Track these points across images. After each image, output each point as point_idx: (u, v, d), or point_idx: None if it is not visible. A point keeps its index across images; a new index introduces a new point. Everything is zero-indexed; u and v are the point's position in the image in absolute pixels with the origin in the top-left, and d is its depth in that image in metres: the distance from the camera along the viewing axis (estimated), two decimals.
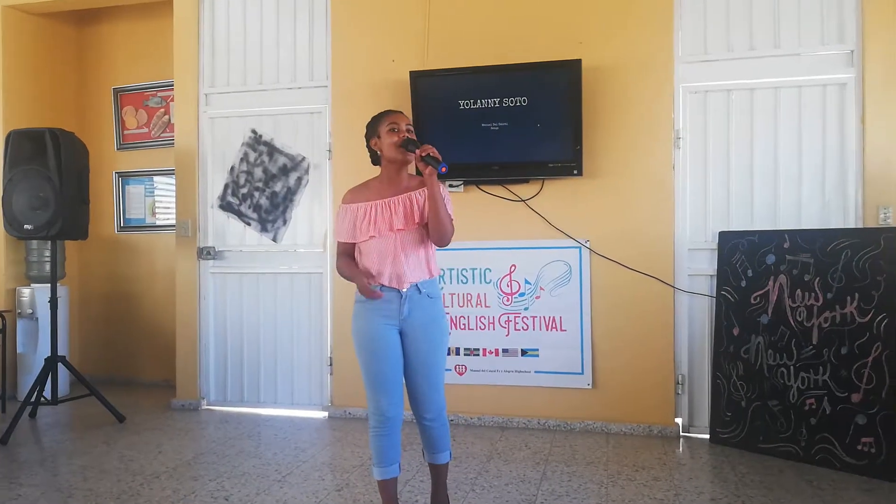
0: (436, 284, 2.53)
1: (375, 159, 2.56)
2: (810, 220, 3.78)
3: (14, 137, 4.11)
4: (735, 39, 3.90)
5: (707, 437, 3.82)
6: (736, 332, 3.71)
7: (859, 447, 3.22)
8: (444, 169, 2.30)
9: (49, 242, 4.63)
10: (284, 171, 4.56)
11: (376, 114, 2.56)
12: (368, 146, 2.55)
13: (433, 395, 2.51)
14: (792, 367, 3.48)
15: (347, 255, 2.56)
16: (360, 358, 2.48)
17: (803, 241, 3.53)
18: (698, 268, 3.95)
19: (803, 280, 3.49)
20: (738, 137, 3.90)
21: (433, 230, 2.41)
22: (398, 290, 2.43)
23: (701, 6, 3.94)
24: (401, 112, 2.54)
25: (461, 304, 4.16)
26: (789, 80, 3.82)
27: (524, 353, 4.08)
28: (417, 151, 2.36)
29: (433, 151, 2.34)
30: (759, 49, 3.87)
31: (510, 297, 4.11)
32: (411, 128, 2.49)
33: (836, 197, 3.77)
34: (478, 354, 4.11)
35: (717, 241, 3.85)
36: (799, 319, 3.49)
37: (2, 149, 4.22)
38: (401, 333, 2.48)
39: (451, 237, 2.45)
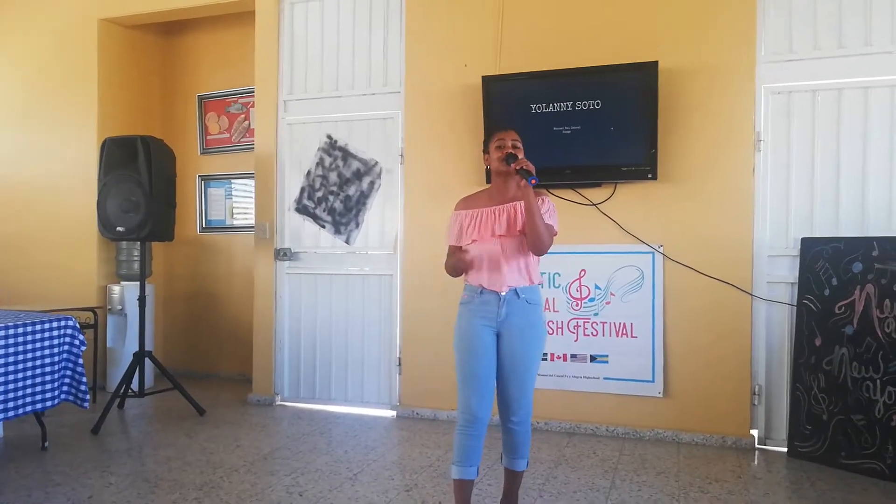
0: (536, 291, 2.61)
1: (488, 176, 2.74)
2: None
3: (109, 145, 4.37)
4: (822, 37, 3.75)
5: (784, 450, 3.69)
6: (818, 342, 3.57)
7: None
8: (534, 181, 2.42)
9: (138, 243, 4.89)
10: (358, 175, 4.66)
11: (492, 130, 2.74)
12: (484, 161, 2.74)
13: (522, 399, 2.57)
14: (878, 381, 3.32)
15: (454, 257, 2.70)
16: (457, 356, 2.58)
17: (893, 249, 3.36)
18: (778, 275, 3.81)
19: (892, 290, 3.33)
20: (823, 140, 3.74)
21: (529, 239, 2.50)
22: (497, 293, 2.53)
23: (786, 2, 3.80)
24: (508, 128, 2.66)
25: None
26: (880, 79, 3.64)
27: (593, 359, 4.03)
28: (513, 165, 2.48)
29: (526, 164, 2.46)
30: (848, 47, 3.70)
31: (579, 301, 4.07)
32: (518, 144, 2.62)
33: None
34: (546, 359, 4.09)
35: (798, 247, 3.70)
36: (887, 331, 3.32)
37: (97, 155, 4.48)
38: (498, 336, 2.55)
39: (549, 247, 2.52)
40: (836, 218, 3.72)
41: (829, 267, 3.56)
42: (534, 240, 2.47)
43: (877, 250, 3.41)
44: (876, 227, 3.63)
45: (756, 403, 3.82)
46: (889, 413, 3.27)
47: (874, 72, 3.65)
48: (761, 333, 3.81)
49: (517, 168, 2.46)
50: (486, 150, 2.69)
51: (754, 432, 3.81)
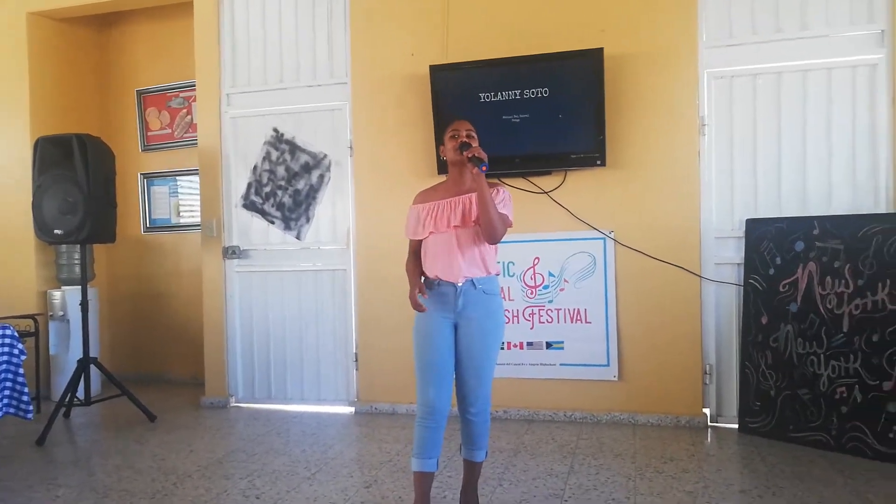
0: (493, 282, 2.61)
1: (443, 167, 2.72)
2: (840, 205, 3.71)
3: (42, 144, 4.18)
4: (760, 22, 3.82)
5: (736, 426, 3.79)
6: (764, 320, 3.66)
7: (891, 435, 3.17)
8: (484, 168, 2.43)
9: (78, 246, 4.71)
10: (306, 168, 4.58)
11: (446, 121, 2.73)
12: (438, 152, 2.75)
13: (480, 390, 2.57)
14: (822, 356, 3.43)
15: (414, 254, 2.71)
16: (415, 349, 2.57)
17: (833, 227, 3.46)
18: (725, 256, 3.90)
19: (833, 267, 3.43)
20: (764, 123, 3.83)
21: (482, 227, 2.49)
22: (454, 284, 2.52)
23: None
24: (461, 118, 2.66)
25: None
26: (818, 62, 3.74)
27: (549, 345, 4.06)
28: (466, 153, 2.48)
29: (478, 152, 2.46)
30: (785, 31, 3.79)
31: (534, 289, 4.09)
32: (472, 133, 2.61)
33: (866, 181, 3.69)
34: (503, 348, 4.09)
35: (744, 228, 3.79)
36: (829, 307, 3.43)
37: (30, 155, 4.28)
38: (455, 327, 2.56)
39: (502, 235, 2.52)
40: (778, 199, 3.82)
41: (772, 247, 3.66)
42: (486, 228, 2.47)
43: (817, 229, 3.51)
44: (816, 207, 3.74)
45: (707, 383, 3.91)
46: (833, 386, 3.38)
47: (811, 55, 3.75)
48: (710, 314, 3.90)
49: (469, 156, 2.45)
50: (440, 141, 2.68)
51: (706, 411, 3.91)
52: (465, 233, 2.53)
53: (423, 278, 2.63)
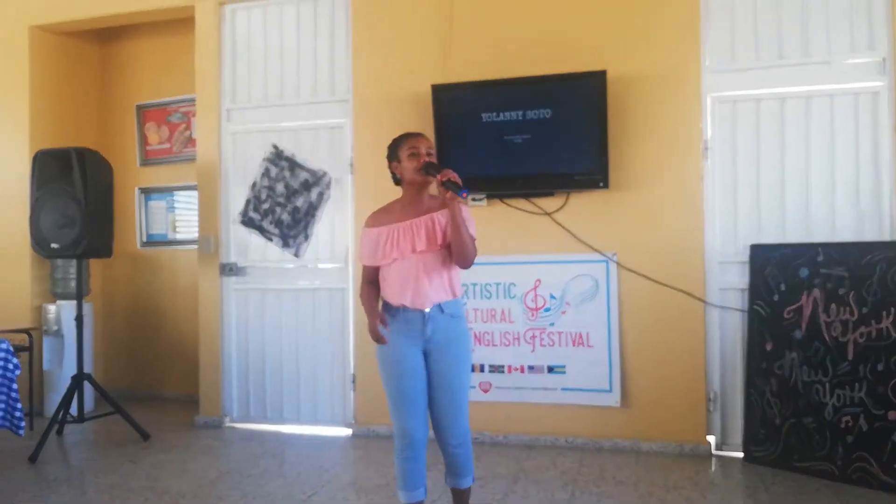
0: (459, 304, 2.54)
1: (397, 181, 2.59)
2: (844, 231, 3.69)
3: (41, 158, 4.16)
4: (763, 47, 3.83)
5: (740, 455, 3.73)
6: (769, 347, 3.63)
7: None
8: (465, 195, 2.32)
9: (74, 260, 4.66)
10: (306, 186, 4.54)
11: (397, 136, 2.57)
12: (390, 168, 2.57)
13: (458, 419, 2.49)
14: (827, 384, 3.39)
15: (370, 283, 2.60)
16: (385, 379, 2.48)
17: (837, 254, 3.44)
18: (729, 281, 3.86)
19: (838, 294, 3.40)
20: (768, 147, 3.81)
21: (456, 253, 2.42)
22: (421, 311, 2.43)
23: (728, 14, 3.86)
24: (421, 135, 2.55)
25: (485, 320, 4.11)
26: (820, 88, 3.74)
27: (550, 369, 4.01)
28: (438, 176, 2.36)
29: (454, 176, 2.34)
30: (788, 57, 3.79)
31: (535, 312, 4.05)
32: (432, 151, 2.51)
33: (870, 208, 3.68)
34: (503, 371, 4.05)
35: (748, 254, 3.76)
36: (834, 335, 3.40)
37: (29, 168, 4.25)
38: (425, 354, 2.47)
39: (474, 259, 2.45)
40: (782, 224, 3.79)
41: (777, 273, 3.63)
42: (462, 255, 2.41)
43: (821, 255, 3.49)
44: (820, 233, 3.72)
45: (712, 410, 3.86)
46: (838, 415, 3.34)
47: (814, 81, 3.74)
48: (715, 339, 3.86)
49: (443, 180, 2.33)
50: (394, 158, 2.53)
51: (711, 438, 3.85)
52: (431, 257, 2.44)
53: (381, 305, 2.53)
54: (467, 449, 2.54)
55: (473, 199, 4.06)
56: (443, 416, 2.48)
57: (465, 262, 2.44)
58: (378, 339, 2.45)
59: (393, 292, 2.47)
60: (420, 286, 2.42)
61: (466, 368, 2.53)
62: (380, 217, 2.55)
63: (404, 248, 2.43)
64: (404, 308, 2.45)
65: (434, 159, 2.49)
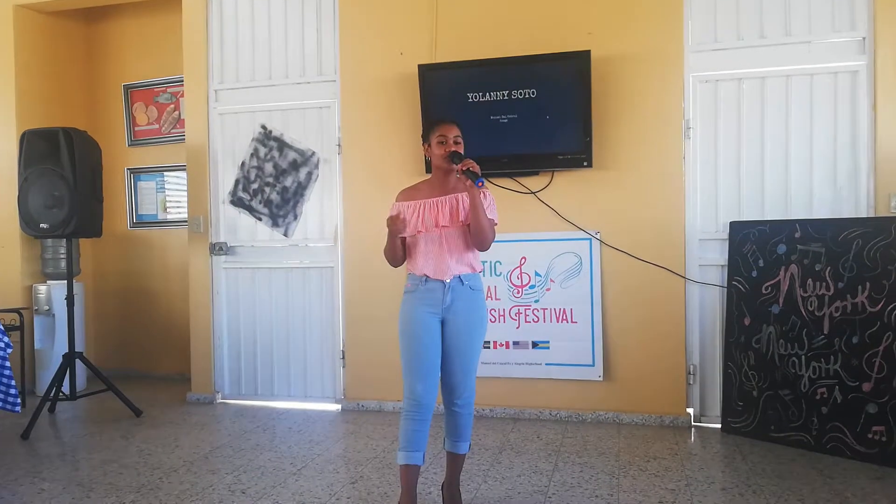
0: (479, 278, 2.67)
1: (428, 165, 2.76)
2: (822, 208, 3.77)
3: (28, 137, 4.16)
4: (745, 27, 3.88)
5: (719, 426, 3.84)
6: (747, 322, 3.72)
7: (870, 436, 3.23)
8: (480, 183, 2.46)
9: (64, 240, 4.69)
10: (294, 165, 4.58)
11: (431, 120, 2.76)
12: (423, 149, 2.74)
13: (466, 381, 2.63)
14: (803, 357, 3.49)
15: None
16: (401, 343, 2.61)
17: (814, 230, 3.52)
18: (709, 258, 3.95)
19: (814, 270, 3.49)
20: (748, 126, 3.88)
21: (474, 236, 2.57)
22: (442, 281, 2.57)
23: None
24: (452, 122, 2.68)
25: None
26: (800, 67, 3.80)
27: (535, 345, 4.10)
28: (459, 165, 2.51)
29: (472, 166, 2.48)
30: (769, 37, 3.84)
31: (520, 289, 4.12)
32: (459, 139, 2.65)
33: (847, 185, 3.76)
34: (489, 347, 4.13)
35: (728, 231, 3.84)
36: (810, 309, 3.49)
37: (17, 148, 4.26)
38: (443, 322, 2.60)
39: (492, 242, 2.60)
40: (761, 201, 3.87)
41: (756, 249, 3.71)
42: (478, 237, 2.56)
43: (799, 232, 3.57)
44: (798, 210, 3.80)
45: (691, 383, 3.96)
46: (814, 387, 3.44)
47: (794, 61, 3.80)
48: (695, 315, 3.95)
49: (463, 169, 2.50)
50: (426, 141, 2.70)
51: (690, 410, 3.96)
52: (453, 232, 2.59)
53: (408, 273, 2.68)
54: (469, 412, 2.68)
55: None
56: (452, 378, 2.62)
57: (483, 245, 2.59)
58: (397, 222, 2.58)
59: (417, 263, 2.62)
60: (441, 258, 2.57)
61: (480, 338, 2.66)
62: (409, 193, 2.71)
63: (428, 223, 2.59)
64: (426, 278, 2.58)
65: (461, 147, 2.63)
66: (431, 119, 2.76)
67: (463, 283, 2.60)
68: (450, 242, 2.59)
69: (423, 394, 2.53)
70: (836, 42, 3.77)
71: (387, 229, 2.65)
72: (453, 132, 2.63)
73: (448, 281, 2.57)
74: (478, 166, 2.49)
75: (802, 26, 3.80)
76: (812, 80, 3.79)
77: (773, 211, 3.84)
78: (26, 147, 4.16)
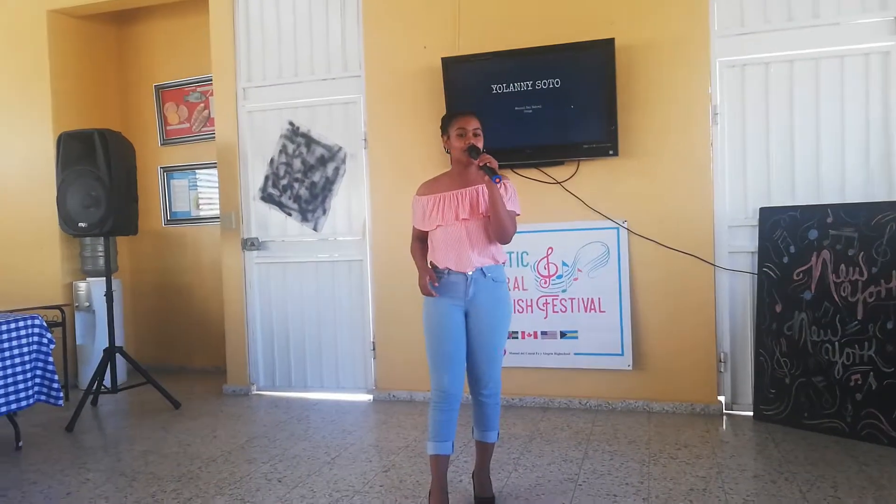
0: (501, 270, 2.69)
1: (447, 150, 2.75)
2: (854, 193, 3.71)
3: (65, 139, 4.28)
4: (772, 10, 3.81)
5: (751, 414, 3.81)
6: (778, 308, 3.68)
7: None
8: (497, 180, 2.46)
9: (102, 238, 4.82)
10: (322, 161, 4.64)
11: (449, 113, 2.76)
12: (442, 140, 2.74)
13: (492, 372, 2.66)
14: (836, 343, 3.45)
15: (419, 240, 2.79)
16: (427, 337, 2.64)
17: (847, 215, 3.47)
18: (739, 245, 3.92)
19: (847, 255, 3.44)
20: (777, 111, 3.83)
21: (493, 229, 2.57)
22: (464, 274, 2.59)
23: None
24: (471, 115, 2.66)
25: None
26: (830, 50, 3.73)
27: (563, 335, 4.11)
28: (477, 161, 2.52)
29: (490, 162, 2.48)
30: (797, 19, 3.78)
31: (548, 279, 4.14)
32: (479, 131, 2.64)
33: (880, 169, 3.69)
34: (517, 337, 4.15)
35: (757, 217, 3.81)
36: (843, 295, 3.45)
37: (54, 150, 4.39)
38: (466, 314, 2.63)
39: (513, 235, 2.60)
40: (791, 187, 3.82)
41: (786, 235, 3.67)
42: (499, 231, 2.56)
43: (831, 217, 3.52)
44: (830, 195, 3.74)
45: (722, 370, 3.94)
46: (847, 374, 3.40)
47: (823, 43, 3.74)
48: (725, 302, 3.92)
49: (480, 164, 2.49)
50: (444, 132, 2.70)
51: (721, 398, 3.94)
52: (473, 225, 2.59)
53: (431, 267, 2.70)
54: (496, 402, 2.71)
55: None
56: (478, 369, 2.65)
57: (503, 238, 2.59)
58: (427, 292, 2.63)
59: (439, 256, 2.64)
60: (463, 251, 2.58)
61: (504, 330, 2.69)
62: (430, 186, 2.73)
63: (449, 216, 2.60)
64: (449, 271, 2.60)
65: (480, 139, 2.62)
66: (450, 111, 2.74)
67: (486, 276, 2.60)
68: (471, 235, 2.59)
69: (449, 385, 2.56)
70: (866, 23, 3.69)
71: (411, 225, 2.72)
72: (472, 124, 2.62)
73: (470, 273, 2.58)
74: (495, 161, 2.49)
75: (831, 7, 3.73)
76: (842, 62, 3.73)
77: (803, 196, 3.79)
78: (63, 149, 4.28)
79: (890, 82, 3.65)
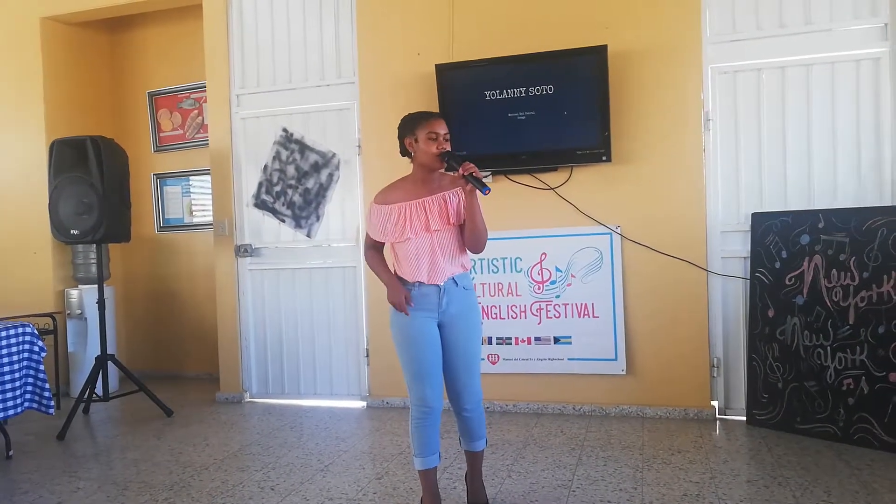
0: (469, 277, 2.64)
1: (405, 152, 2.61)
2: (845, 198, 3.73)
3: (57, 146, 4.27)
4: (764, 17, 3.84)
5: (744, 419, 3.82)
6: (771, 313, 3.69)
7: None
8: (487, 192, 2.35)
9: (94, 245, 4.80)
10: (316, 167, 4.64)
11: (414, 113, 2.60)
12: (402, 142, 2.58)
13: (472, 385, 2.60)
14: (829, 348, 3.46)
15: (374, 249, 2.68)
16: (402, 351, 2.56)
17: (838, 220, 3.49)
18: (731, 250, 3.93)
19: (839, 260, 3.46)
20: (769, 117, 3.85)
21: (470, 240, 2.52)
22: (437, 285, 2.52)
23: None
24: (439, 117, 2.56)
25: (492, 294, 4.20)
26: (821, 56, 3.75)
27: (557, 340, 4.11)
28: (460, 170, 2.39)
29: (476, 172, 2.38)
30: (789, 26, 3.81)
31: (541, 285, 4.14)
32: (448, 137, 2.53)
33: (871, 174, 3.71)
34: (510, 343, 4.16)
35: (750, 222, 3.82)
36: (835, 300, 3.46)
37: (46, 157, 4.38)
38: (439, 326, 2.57)
39: (485, 246, 2.55)
40: (783, 192, 3.84)
41: (778, 240, 3.68)
42: (475, 242, 2.51)
43: (822, 222, 3.54)
44: (821, 200, 3.76)
45: (715, 375, 3.94)
46: (839, 378, 3.41)
47: (814, 49, 3.76)
48: (717, 307, 3.93)
49: (465, 174, 2.37)
50: (410, 134, 2.53)
51: (715, 403, 3.94)
52: (444, 235, 2.52)
53: (399, 280, 2.59)
54: (480, 413, 2.65)
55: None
56: (458, 382, 2.58)
57: (478, 248, 2.54)
58: (402, 310, 2.53)
59: (408, 269, 2.54)
60: (436, 262, 2.50)
61: (478, 337, 2.64)
62: (389, 194, 2.59)
63: (418, 228, 2.50)
64: (420, 283, 2.53)
65: (449, 144, 2.51)
66: (418, 112, 2.59)
67: (457, 285, 2.55)
68: (442, 245, 2.51)
69: (431, 397, 2.50)
70: (858, 29, 3.72)
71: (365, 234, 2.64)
72: (444, 129, 2.50)
73: (443, 284, 2.52)
74: (479, 171, 2.39)
75: (823, 14, 3.76)
76: (833, 68, 3.75)
77: (795, 202, 3.81)
78: (56, 156, 4.27)
79: (881, 89, 3.68)
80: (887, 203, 3.65)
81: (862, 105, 3.72)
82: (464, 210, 2.49)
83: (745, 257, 3.88)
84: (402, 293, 2.53)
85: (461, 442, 2.73)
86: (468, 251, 2.59)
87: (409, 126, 2.55)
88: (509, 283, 4.16)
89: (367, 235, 2.67)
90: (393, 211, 2.53)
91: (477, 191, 2.39)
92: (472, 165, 2.39)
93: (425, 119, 2.53)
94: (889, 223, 3.31)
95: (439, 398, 2.53)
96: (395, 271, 2.62)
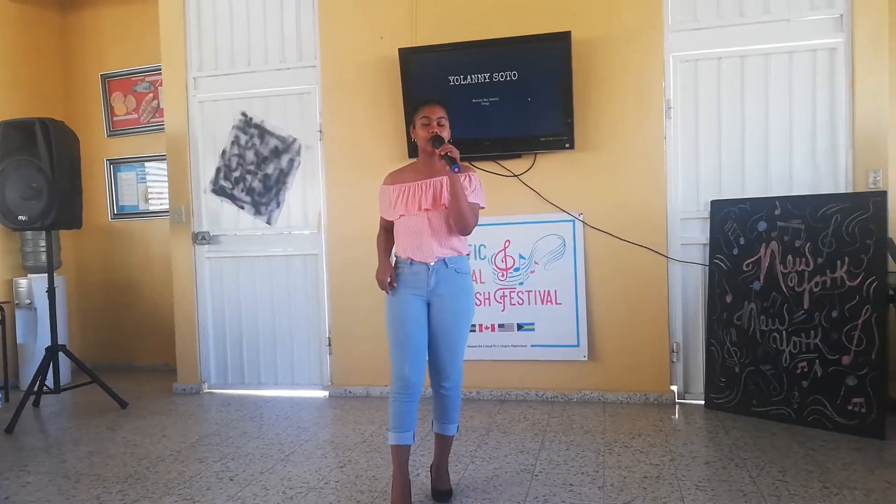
0: (464, 261, 2.67)
1: (413, 151, 2.78)
2: (802, 186, 3.81)
3: (4, 128, 4.09)
4: (724, 6, 3.89)
5: (702, 403, 3.89)
6: (729, 299, 3.75)
7: (850, 407, 3.29)
8: (456, 170, 2.44)
9: (44, 233, 4.64)
10: (276, 153, 4.55)
11: (417, 102, 2.73)
12: (408, 132, 2.76)
13: (453, 365, 2.64)
14: (784, 332, 3.53)
15: (385, 230, 2.79)
16: (388, 327, 2.62)
17: (794, 207, 3.56)
18: (691, 237, 3.98)
19: (794, 246, 3.53)
20: (729, 105, 3.91)
21: (453, 220, 2.57)
22: (426, 264, 2.57)
23: None
24: (436, 104, 2.64)
25: None
26: (780, 45, 3.82)
27: (520, 327, 4.12)
28: (438, 150, 2.49)
29: (451, 151, 2.46)
30: (748, 15, 3.86)
31: (505, 272, 4.14)
32: (444, 120, 2.62)
33: (826, 162, 3.79)
34: (474, 330, 4.14)
35: (709, 209, 3.87)
36: (790, 285, 3.53)
37: None
38: (428, 305, 2.61)
39: (474, 227, 2.60)
40: (742, 180, 3.90)
41: (736, 227, 3.74)
42: (459, 222, 2.55)
43: (779, 209, 3.60)
44: (778, 188, 3.84)
45: (675, 361, 4.00)
46: (794, 361, 3.48)
47: (773, 39, 3.82)
48: (677, 293, 3.98)
49: (441, 154, 2.47)
50: (411, 122, 2.68)
51: (674, 388, 4.00)
52: (436, 215, 2.59)
53: (394, 258, 2.68)
54: (457, 395, 2.70)
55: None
56: (439, 360, 2.63)
57: (464, 230, 2.58)
58: (383, 287, 2.64)
59: (402, 245, 2.64)
60: (424, 241, 2.57)
61: (467, 321, 2.67)
62: (396, 176, 2.72)
63: (411, 206, 2.60)
64: (411, 261, 2.59)
65: (445, 129, 2.60)
66: (416, 101, 2.74)
67: (448, 266, 2.60)
68: (433, 225, 2.58)
69: (410, 375, 2.54)
70: (814, 20, 3.79)
71: (376, 216, 2.75)
72: (437, 113, 2.60)
73: (432, 264, 2.58)
74: (457, 151, 2.47)
75: (781, 4, 3.82)
76: (791, 58, 3.82)
77: (753, 189, 3.87)
78: (2, 138, 4.09)
79: (836, 78, 3.76)
80: (842, 190, 3.73)
81: (818, 94, 3.79)
82: (446, 189, 2.56)
83: (704, 244, 3.93)
84: (386, 273, 2.64)
85: (433, 425, 2.74)
86: (458, 233, 2.62)
87: (411, 114, 2.73)
88: (474, 271, 4.12)
89: (380, 217, 2.78)
90: (394, 191, 2.65)
91: (461, 173, 2.49)
92: (449, 146, 2.49)
93: (421, 106, 2.65)
94: (843, 210, 3.38)
95: (419, 375, 2.56)
96: (394, 250, 2.72)
